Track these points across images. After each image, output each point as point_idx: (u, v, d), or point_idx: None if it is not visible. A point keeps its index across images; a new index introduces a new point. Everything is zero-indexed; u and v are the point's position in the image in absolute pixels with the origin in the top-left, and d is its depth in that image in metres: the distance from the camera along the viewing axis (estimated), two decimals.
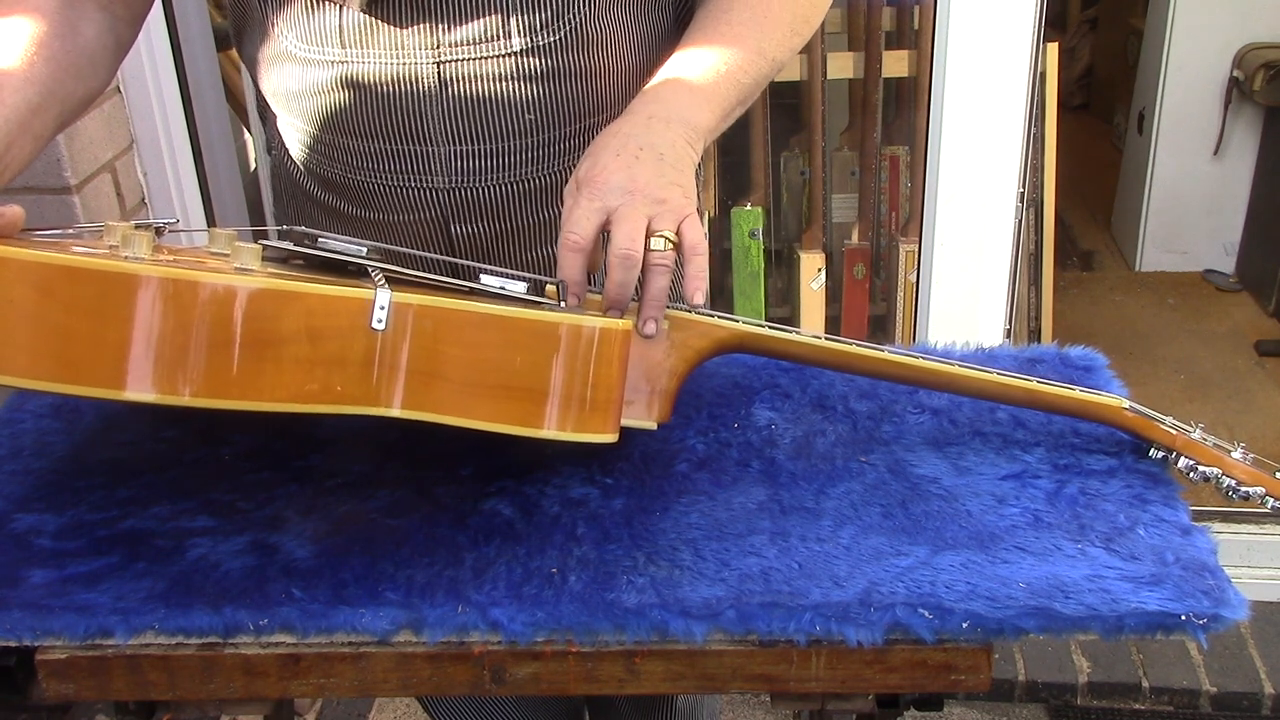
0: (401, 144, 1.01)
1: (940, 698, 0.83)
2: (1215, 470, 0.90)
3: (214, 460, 0.95)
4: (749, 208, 2.48)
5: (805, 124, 2.50)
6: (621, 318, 0.81)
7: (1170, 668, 2.10)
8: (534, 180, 1.04)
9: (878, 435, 0.98)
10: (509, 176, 1.03)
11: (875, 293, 2.59)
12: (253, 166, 2.26)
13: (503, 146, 1.01)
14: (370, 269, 0.79)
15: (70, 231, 0.92)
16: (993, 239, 1.91)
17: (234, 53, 2.03)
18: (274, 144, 1.15)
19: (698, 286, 0.81)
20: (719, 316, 0.90)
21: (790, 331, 0.89)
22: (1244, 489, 0.89)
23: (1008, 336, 2.02)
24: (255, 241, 0.78)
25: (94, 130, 1.70)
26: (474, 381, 0.75)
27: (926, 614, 0.77)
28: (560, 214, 0.96)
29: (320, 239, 0.83)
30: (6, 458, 0.96)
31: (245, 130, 2.29)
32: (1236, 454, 0.90)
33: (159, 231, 0.94)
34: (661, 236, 0.81)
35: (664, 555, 0.83)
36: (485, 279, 0.83)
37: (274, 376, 0.71)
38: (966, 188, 1.88)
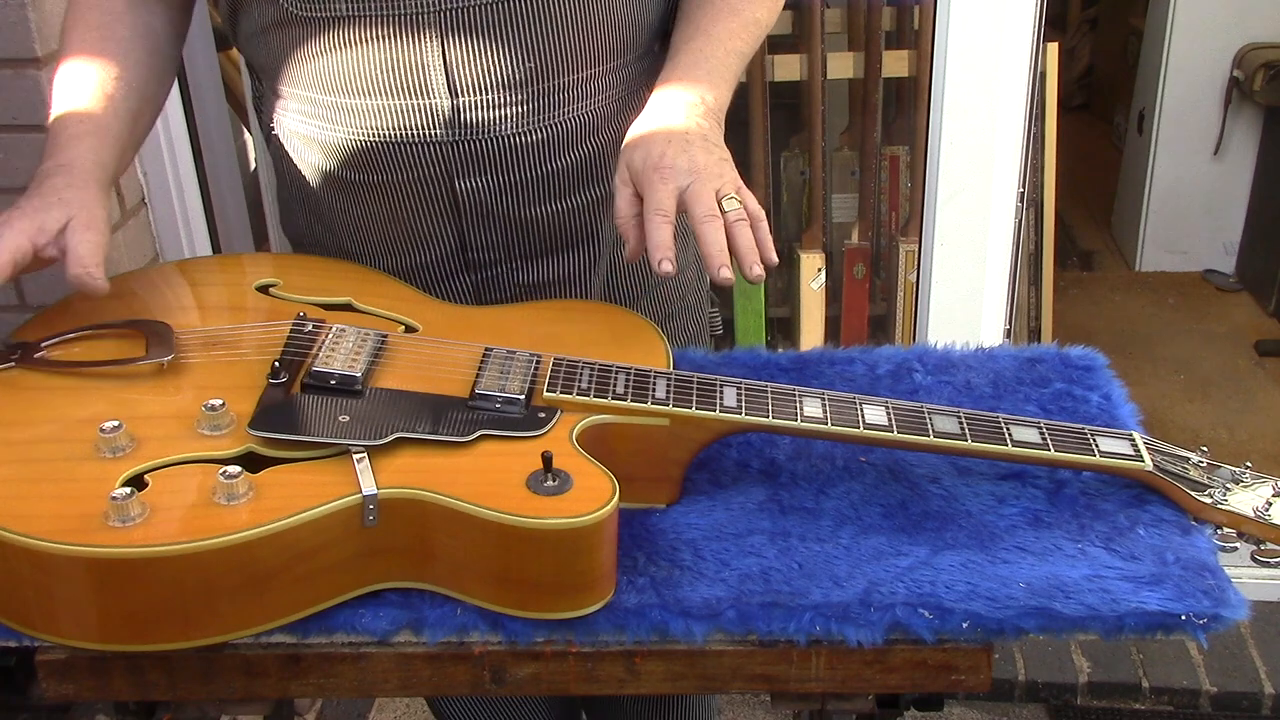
0: (402, 98, 1.03)
1: (940, 698, 0.83)
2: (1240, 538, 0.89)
3: None
4: None
5: (805, 124, 2.50)
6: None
7: (1170, 668, 2.09)
8: (535, 132, 1.06)
9: None
10: (510, 128, 1.05)
11: (875, 293, 2.59)
12: (253, 166, 2.25)
13: (503, 98, 1.03)
14: (353, 450, 0.80)
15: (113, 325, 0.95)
16: (993, 239, 1.90)
17: (234, 52, 2.03)
18: (272, 140, 1.15)
19: (769, 248, 0.91)
20: (722, 382, 0.90)
21: (793, 419, 0.87)
22: (1272, 548, 0.88)
23: (1008, 336, 2.02)
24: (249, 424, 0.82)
25: None
26: (465, 565, 0.78)
27: (926, 614, 0.77)
28: (562, 169, 1.08)
29: (311, 372, 0.87)
30: None
31: (245, 130, 2.29)
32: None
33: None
34: (732, 198, 0.92)
35: (664, 555, 0.83)
36: (481, 387, 0.86)
37: (277, 597, 0.76)
38: (966, 188, 1.88)
